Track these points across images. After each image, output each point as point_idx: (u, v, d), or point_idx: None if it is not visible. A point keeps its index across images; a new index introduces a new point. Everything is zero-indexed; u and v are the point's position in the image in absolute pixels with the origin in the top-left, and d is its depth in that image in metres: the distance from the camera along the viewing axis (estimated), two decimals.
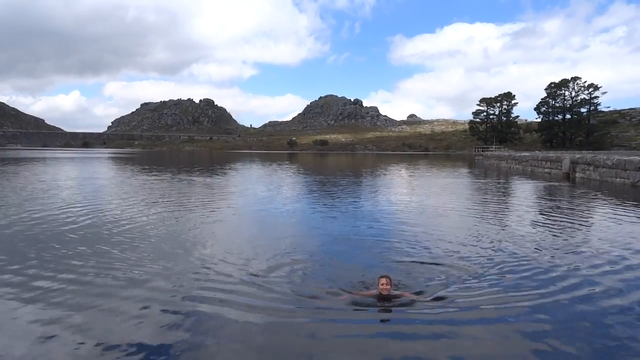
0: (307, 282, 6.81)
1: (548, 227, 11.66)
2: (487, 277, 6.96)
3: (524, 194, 21.72)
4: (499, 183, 27.90)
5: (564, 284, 6.61)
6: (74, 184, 23.71)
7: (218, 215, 13.50)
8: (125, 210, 13.80)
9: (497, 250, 8.80)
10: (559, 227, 11.55)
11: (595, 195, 19.82)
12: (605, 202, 17.11)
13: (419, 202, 17.13)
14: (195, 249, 8.85)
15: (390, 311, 5.65)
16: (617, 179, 24.91)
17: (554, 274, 7.12)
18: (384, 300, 5.79)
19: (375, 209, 15.41)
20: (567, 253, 8.59)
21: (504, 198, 19.84)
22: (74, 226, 11.06)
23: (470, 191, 22.88)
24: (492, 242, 9.65)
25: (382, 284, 5.82)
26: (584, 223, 12.55)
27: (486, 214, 14.19)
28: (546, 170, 35.76)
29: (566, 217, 13.32)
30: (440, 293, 6.16)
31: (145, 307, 5.66)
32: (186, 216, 13.18)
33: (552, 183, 26.74)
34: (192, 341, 4.76)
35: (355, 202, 17.39)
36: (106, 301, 5.87)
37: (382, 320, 5.49)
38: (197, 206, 15.39)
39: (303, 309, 5.66)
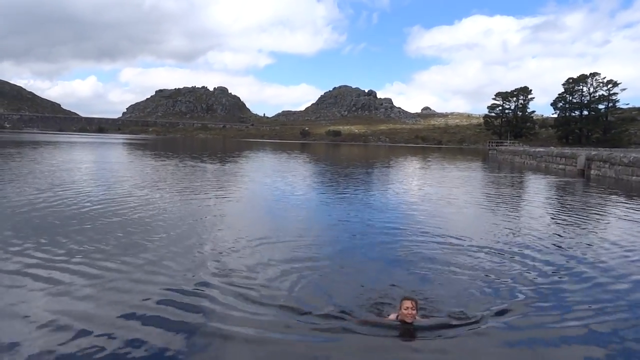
0: (311, 294, 5.77)
1: (584, 229, 10.82)
2: (526, 292, 5.92)
3: (543, 190, 21.61)
4: (513, 178, 27.74)
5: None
6: (81, 167, 24.19)
7: (222, 203, 13.67)
8: (123, 194, 14.01)
9: (530, 254, 7.92)
10: (602, 234, 10.30)
11: (615, 192, 19.67)
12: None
13: (435, 194, 17.20)
14: (192, 242, 8.19)
15: (413, 340, 4.61)
16: (634, 177, 24.61)
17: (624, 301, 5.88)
18: (407, 329, 4.65)
19: (389, 201, 15.46)
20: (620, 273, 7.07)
21: (520, 194, 19.77)
22: (47, 211, 10.68)
23: (484, 186, 22.85)
24: (523, 242, 8.84)
25: (406, 308, 4.62)
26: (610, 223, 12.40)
27: (506, 209, 14.23)
28: (560, 166, 35.41)
29: (600, 219, 12.99)
30: (474, 315, 5.03)
31: (123, 313, 5.02)
32: (189, 202, 13.31)
33: (567, 179, 26.53)
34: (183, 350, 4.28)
35: (367, 193, 17.52)
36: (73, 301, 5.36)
37: (402, 353, 4.41)
38: (201, 193, 15.57)
39: (302, 328, 4.77)
